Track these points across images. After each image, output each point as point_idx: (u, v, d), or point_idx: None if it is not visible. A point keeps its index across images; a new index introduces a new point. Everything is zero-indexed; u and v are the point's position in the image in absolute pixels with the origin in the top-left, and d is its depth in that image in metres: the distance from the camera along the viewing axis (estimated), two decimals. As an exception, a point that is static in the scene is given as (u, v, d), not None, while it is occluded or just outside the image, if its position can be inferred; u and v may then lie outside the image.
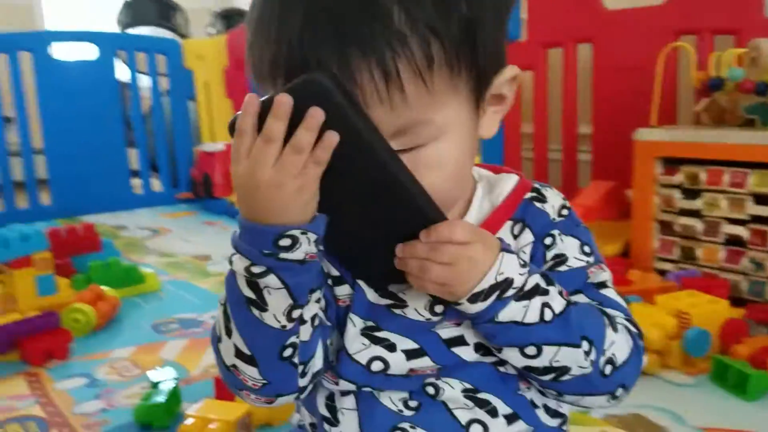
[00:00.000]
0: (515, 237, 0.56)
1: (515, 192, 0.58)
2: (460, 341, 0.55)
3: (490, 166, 0.62)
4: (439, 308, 0.55)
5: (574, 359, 0.52)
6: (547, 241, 0.56)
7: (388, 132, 0.47)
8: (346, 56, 0.45)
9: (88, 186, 2.99)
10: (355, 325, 0.56)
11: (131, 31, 3.63)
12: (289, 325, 0.50)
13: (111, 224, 2.73)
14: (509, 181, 0.59)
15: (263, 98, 0.45)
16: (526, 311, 0.50)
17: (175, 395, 1.07)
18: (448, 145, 0.50)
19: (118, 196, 3.10)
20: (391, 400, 0.56)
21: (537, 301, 0.51)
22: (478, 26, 0.49)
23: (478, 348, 0.55)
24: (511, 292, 0.50)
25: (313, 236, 0.48)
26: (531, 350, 0.52)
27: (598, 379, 0.53)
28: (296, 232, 0.47)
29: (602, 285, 0.57)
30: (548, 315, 0.51)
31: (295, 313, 0.50)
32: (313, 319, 0.52)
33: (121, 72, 3.10)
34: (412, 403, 0.56)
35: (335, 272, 0.57)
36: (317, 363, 0.55)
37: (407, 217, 0.49)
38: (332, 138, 0.45)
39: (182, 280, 1.88)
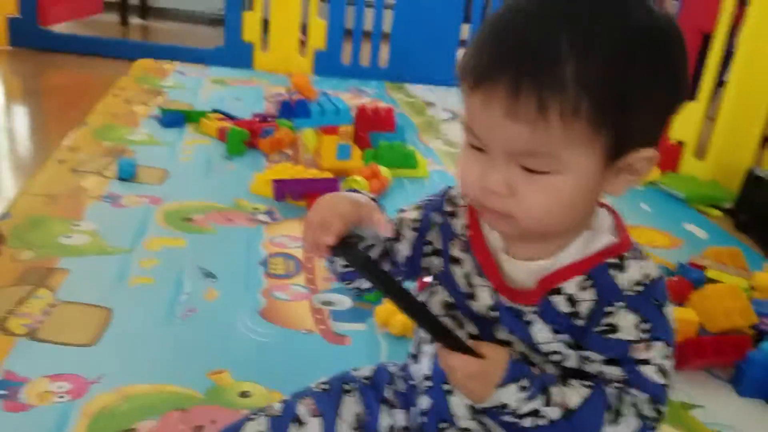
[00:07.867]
0: (581, 290, 0.62)
1: (600, 253, 0.62)
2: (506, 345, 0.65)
3: (620, 222, 0.66)
4: (494, 313, 0.66)
5: None
6: (608, 309, 0.61)
7: (520, 149, 0.57)
8: (519, 79, 0.54)
9: (419, 54, 3.36)
10: (438, 294, 0.70)
11: None
12: None
13: (425, 99, 3.02)
14: (602, 240, 0.63)
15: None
16: (521, 421, 0.62)
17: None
18: (566, 182, 0.57)
19: (444, 70, 3.40)
20: None
21: (527, 420, 0.61)
22: (633, 106, 0.56)
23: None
24: (507, 410, 0.61)
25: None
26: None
27: None
28: None
29: (642, 362, 0.61)
30: (543, 422, 0.61)
31: None
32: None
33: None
34: None
35: (438, 246, 0.71)
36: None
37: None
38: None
39: (451, 174, 2.11)
